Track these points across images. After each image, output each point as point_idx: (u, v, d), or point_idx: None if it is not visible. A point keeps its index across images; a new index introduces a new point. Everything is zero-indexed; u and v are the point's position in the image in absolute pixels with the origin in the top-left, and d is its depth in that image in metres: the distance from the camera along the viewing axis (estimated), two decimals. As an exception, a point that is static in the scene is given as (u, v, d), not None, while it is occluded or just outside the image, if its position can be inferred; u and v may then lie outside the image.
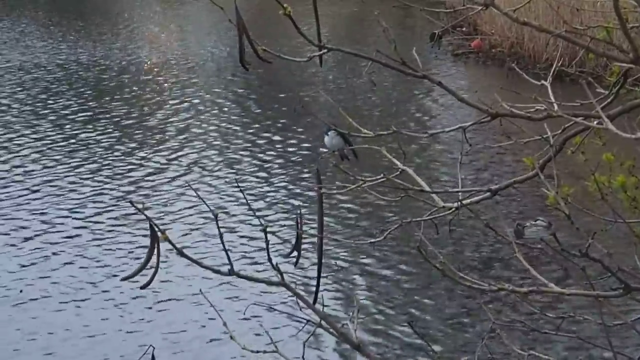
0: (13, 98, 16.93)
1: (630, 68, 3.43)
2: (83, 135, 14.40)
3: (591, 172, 3.37)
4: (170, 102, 16.79)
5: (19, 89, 17.67)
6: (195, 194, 10.89)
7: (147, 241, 3.31)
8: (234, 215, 10.69)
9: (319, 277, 4.38)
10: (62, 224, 10.61)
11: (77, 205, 11.19)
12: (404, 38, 21.88)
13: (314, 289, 8.51)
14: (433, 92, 16.92)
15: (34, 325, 8.28)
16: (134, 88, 18.01)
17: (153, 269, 3.30)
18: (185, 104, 16.64)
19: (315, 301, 4.36)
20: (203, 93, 17.54)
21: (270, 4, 3.45)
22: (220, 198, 11.40)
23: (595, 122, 3.17)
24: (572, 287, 3.82)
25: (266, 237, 3.57)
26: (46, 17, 27.01)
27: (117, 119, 15.45)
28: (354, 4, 28.14)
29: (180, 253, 3.20)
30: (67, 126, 14.97)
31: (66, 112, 15.90)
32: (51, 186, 11.90)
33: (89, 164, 12.91)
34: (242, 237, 10.08)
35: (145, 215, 3.14)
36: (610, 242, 9.04)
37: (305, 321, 3.43)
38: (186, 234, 10.15)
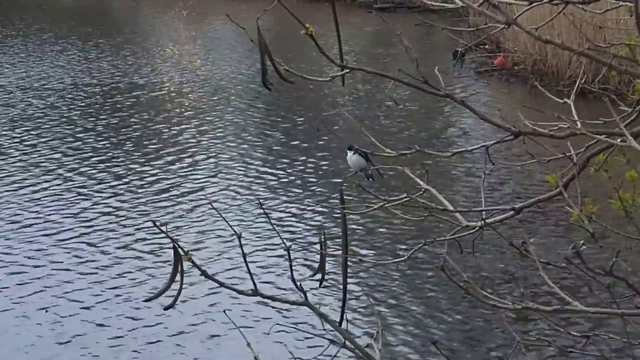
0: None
1: (654, 85, 3.42)
2: (102, 157, 14.46)
3: (615, 190, 3.35)
4: (192, 121, 16.84)
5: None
6: (217, 215, 10.89)
7: (170, 262, 3.31)
8: (257, 236, 10.69)
9: (344, 298, 4.36)
10: (86, 242, 10.63)
11: (99, 225, 11.21)
12: (427, 56, 21.90)
13: (337, 309, 8.51)
14: (456, 110, 16.92)
15: (55, 344, 8.29)
16: (156, 108, 18.08)
17: (177, 290, 3.31)
18: (207, 123, 16.69)
19: (341, 322, 4.34)
20: (226, 113, 17.59)
21: (291, 22, 3.45)
22: (243, 218, 11.41)
23: (618, 140, 3.15)
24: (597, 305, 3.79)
25: (289, 257, 3.58)
26: (71, 34, 27.17)
27: (137, 139, 15.51)
28: (376, 22, 28.18)
29: (204, 274, 3.21)
30: (86, 148, 15.03)
31: (87, 133, 15.98)
32: (74, 206, 11.94)
33: (107, 183, 12.95)
34: (265, 257, 10.07)
35: (169, 236, 3.15)
36: (637, 260, 9.01)
37: (329, 341, 3.42)
38: (209, 255, 10.15)
